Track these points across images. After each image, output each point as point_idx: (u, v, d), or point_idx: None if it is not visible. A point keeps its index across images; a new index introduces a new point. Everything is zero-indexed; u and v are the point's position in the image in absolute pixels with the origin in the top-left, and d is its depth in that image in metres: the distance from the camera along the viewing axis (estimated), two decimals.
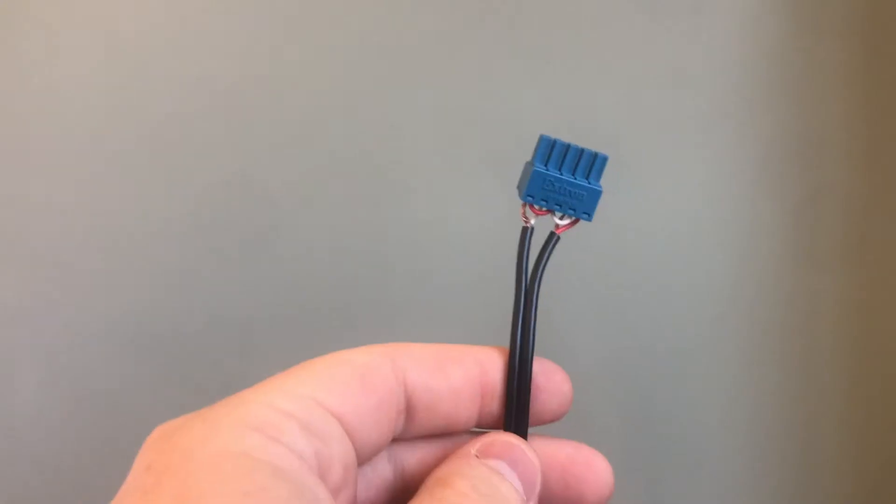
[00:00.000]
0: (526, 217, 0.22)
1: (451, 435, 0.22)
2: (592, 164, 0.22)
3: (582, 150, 0.22)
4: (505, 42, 0.50)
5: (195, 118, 0.49)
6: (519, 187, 0.22)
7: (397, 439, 0.21)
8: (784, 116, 0.50)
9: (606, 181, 0.22)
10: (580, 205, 0.22)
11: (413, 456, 0.22)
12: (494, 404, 0.21)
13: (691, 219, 0.50)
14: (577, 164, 0.22)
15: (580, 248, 0.49)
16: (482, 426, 0.22)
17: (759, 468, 0.51)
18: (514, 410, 0.21)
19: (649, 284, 0.50)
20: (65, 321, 0.49)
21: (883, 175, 0.50)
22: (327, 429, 0.18)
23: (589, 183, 0.22)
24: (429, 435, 0.21)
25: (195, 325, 0.49)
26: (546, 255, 0.22)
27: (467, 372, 0.21)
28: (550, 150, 0.22)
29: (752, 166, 0.50)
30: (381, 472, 0.21)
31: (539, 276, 0.22)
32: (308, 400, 0.18)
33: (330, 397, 0.18)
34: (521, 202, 0.22)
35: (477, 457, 0.20)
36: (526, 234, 0.22)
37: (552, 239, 0.22)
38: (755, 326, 0.50)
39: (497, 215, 0.48)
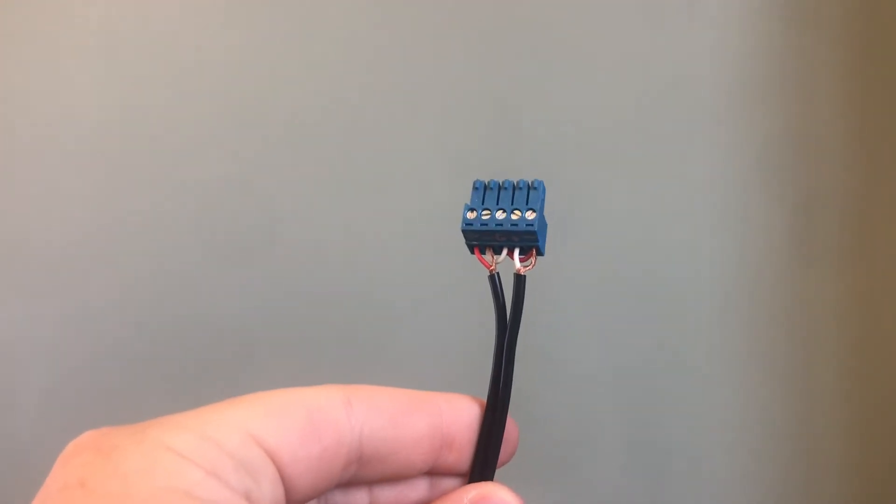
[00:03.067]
0: (486, 263, 0.21)
1: (397, 481, 0.21)
2: (528, 194, 0.21)
3: (515, 184, 0.21)
4: (505, 43, 0.50)
5: (194, 120, 0.49)
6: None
7: (339, 485, 0.20)
8: (782, 117, 0.50)
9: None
10: (523, 237, 0.21)
11: (352, 500, 0.21)
12: (452, 454, 0.21)
13: (688, 220, 0.50)
14: (512, 199, 0.21)
15: (578, 249, 0.49)
16: (434, 474, 0.21)
17: (760, 468, 0.51)
18: (493, 461, 0.21)
19: (647, 285, 0.50)
20: (66, 327, 0.49)
21: (881, 175, 0.50)
22: (261, 468, 0.17)
23: (524, 214, 0.21)
24: (374, 482, 0.20)
25: (197, 331, 0.49)
26: (517, 301, 0.21)
27: (429, 422, 0.20)
28: (483, 194, 0.21)
29: (749, 167, 0.50)
30: None
31: (517, 327, 0.21)
32: (246, 435, 0.17)
33: (270, 436, 0.17)
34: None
35: None
36: (493, 281, 0.21)
37: (519, 281, 0.21)
38: (753, 327, 0.50)
39: None
